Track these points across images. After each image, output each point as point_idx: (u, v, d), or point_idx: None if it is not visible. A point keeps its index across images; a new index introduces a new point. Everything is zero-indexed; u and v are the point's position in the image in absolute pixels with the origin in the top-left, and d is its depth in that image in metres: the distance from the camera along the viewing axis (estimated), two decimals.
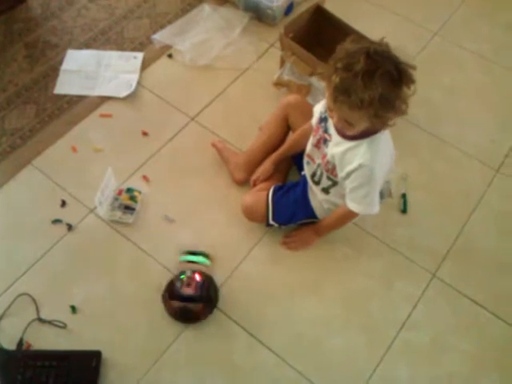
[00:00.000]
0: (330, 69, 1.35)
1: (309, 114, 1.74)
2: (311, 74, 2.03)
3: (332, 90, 1.34)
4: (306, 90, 2.08)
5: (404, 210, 1.91)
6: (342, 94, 1.33)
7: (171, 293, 1.65)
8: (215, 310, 1.68)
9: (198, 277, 1.66)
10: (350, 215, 1.66)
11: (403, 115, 1.40)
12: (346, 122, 1.42)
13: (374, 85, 1.28)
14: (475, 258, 1.83)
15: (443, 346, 1.66)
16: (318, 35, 2.17)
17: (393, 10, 2.50)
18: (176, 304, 1.63)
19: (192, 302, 1.63)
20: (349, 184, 1.56)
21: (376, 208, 1.60)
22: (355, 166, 1.49)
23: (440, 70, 2.31)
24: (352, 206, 1.60)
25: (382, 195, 1.90)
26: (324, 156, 1.62)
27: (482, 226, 1.89)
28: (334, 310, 1.72)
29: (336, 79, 1.32)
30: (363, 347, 1.66)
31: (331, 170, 1.60)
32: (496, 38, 2.42)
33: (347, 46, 1.36)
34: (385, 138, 1.50)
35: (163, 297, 1.67)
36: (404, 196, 1.94)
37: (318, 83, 2.03)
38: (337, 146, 1.54)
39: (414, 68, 1.36)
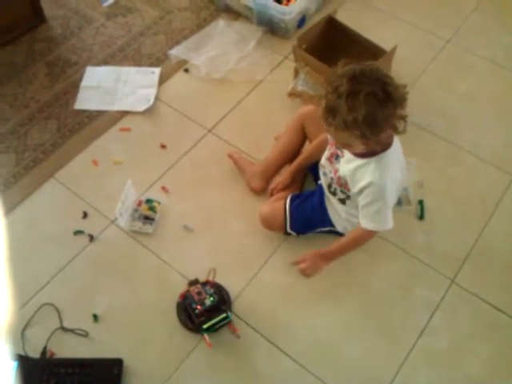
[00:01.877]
0: (322, 92, 1.38)
1: None
2: None
3: (321, 112, 1.38)
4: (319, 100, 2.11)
5: (421, 217, 1.92)
6: (329, 116, 1.35)
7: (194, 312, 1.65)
8: (234, 318, 1.70)
9: (199, 307, 1.66)
10: (360, 238, 1.66)
11: (399, 134, 1.43)
12: (341, 143, 1.46)
13: (358, 106, 1.30)
14: (494, 262, 1.82)
15: (463, 351, 1.65)
16: (331, 46, 2.20)
17: (405, 19, 2.52)
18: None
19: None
20: (361, 200, 1.57)
21: (389, 224, 1.60)
22: (365, 183, 1.51)
23: (454, 77, 2.32)
24: (364, 222, 1.60)
25: (400, 203, 1.92)
26: (336, 171, 1.64)
27: (499, 231, 1.89)
28: (352, 316, 1.72)
29: (324, 102, 1.36)
30: (383, 353, 1.66)
31: (344, 184, 1.62)
32: (509, 45, 2.43)
33: (338, 69, 1.38)
34: (393, 153, 1.51)
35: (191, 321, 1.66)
36: (421, 202, 1.94)
37: None
38: (348, 164, 1.56)
39: (404, 87, 1.37)
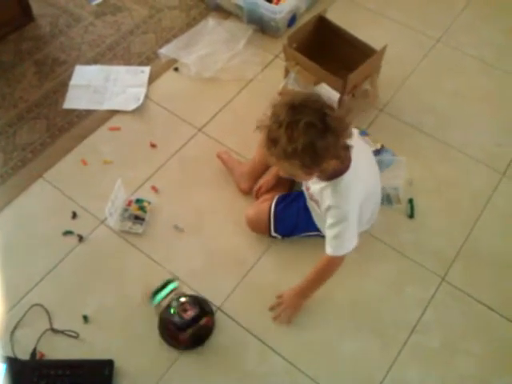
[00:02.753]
0: (266, 121, 1.36)
1: None
2: (315, 83, 2.05)
3: (264, 141, 1.36)
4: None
5: (411, 215, 1.92)
6: (271, 146, 1.34)
7: (175, 328, 1.63)
8: (225, 318, 1.70)
9: (183, 298, 1.65)
10: (326, 267, 1.61)
11: (343, 163, 1.42)
12: (285, 172, 1.44)
13: (297, 136, 1.28)
14: (484, 260, 1.83)
15: (454, 349, 1.66)
16: (321, 45, 2.19)
17: (395, 19, 2.53)
18: (188, 332, 1.61)
19: (198, 320, 1.62)
20: (327, 221, 1.55)
21: (349, 246, 1.55)
22: (326, 206, 1.52)
23: (443, 76, 2.33)
24: (327, 247, 1.57)
25: (390, 201, 1.92)
26: (308, 188, 1.65)
27: (489, 229, 1.89)
28: (343, 315, 1.73)
29: (266, 131, 1.35)
30: (374, 351, 1.66)
31: (316, 201, 1.62)
32: (498, 43, 2.44)
33: (286, 99, 1.37)
34: (352, 175, 1.48)
35: (168, 338, 1.65)
36: (411, 201, 1.95)
37: (323, 92, 2.06)
38: (314, 184, 1.57)
39: (345, 117, 1.36)
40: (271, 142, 1.33)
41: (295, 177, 1.49)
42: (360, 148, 1.54)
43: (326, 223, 1.56)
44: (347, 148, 1.40)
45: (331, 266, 1.61)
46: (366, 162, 1.62)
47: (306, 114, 1.29)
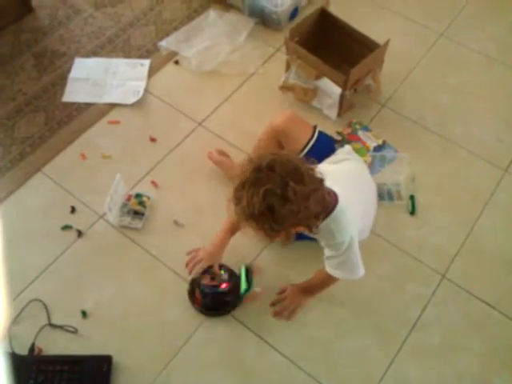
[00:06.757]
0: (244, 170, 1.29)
1: (303, 132, 1.72)
2: (317, 78, 2.03)
3: (232, 194, 1.29)
4: (311, 93, 2.09)
5: (412, 212, 1.91)
6: (235, 202, 1.27)
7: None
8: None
9: (224, 285, 1.68)
10: (328, 281, 1.62)
11: (313, 234, 1.37)
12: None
13: (256, 200, 1.21)
14: (485, 258, 1.82)
15: (454, 347, 1.66)
16: (323, 38, 2.18)
17: (398, 12, 2.50)
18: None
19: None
20: (325, 252, 1.52)
21: (359, 272, 1.53)
22: (324, 244, 1.48)
23: (446, 71, 2.30)
24: (330, 271, 1.54)
25: (391, 197, 1.91)
26: None
27: (491, 226, 1.88)
28: (343, 312, 1.72)
29: (235, 185, 1.27)
30: (374, 349, 1.65)
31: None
32: (502, 38, 2.41)
33: (263, 152, 1.31)
34: (344, 209, 1.41)
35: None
36: (412, 197, 1.93)
37: (325, 86, 2.04)
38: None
39: (309, 193, 1.26)
40: (236, 199, 1.27)
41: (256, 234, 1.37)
42: (348, 170, 1.53)
43: (325, 254, 1.51)
44: (316, 217, 1.31)
45: (332, 281, 1.61)
46: (358, 184, 1.57)
47: (268, 179, 1.21)
